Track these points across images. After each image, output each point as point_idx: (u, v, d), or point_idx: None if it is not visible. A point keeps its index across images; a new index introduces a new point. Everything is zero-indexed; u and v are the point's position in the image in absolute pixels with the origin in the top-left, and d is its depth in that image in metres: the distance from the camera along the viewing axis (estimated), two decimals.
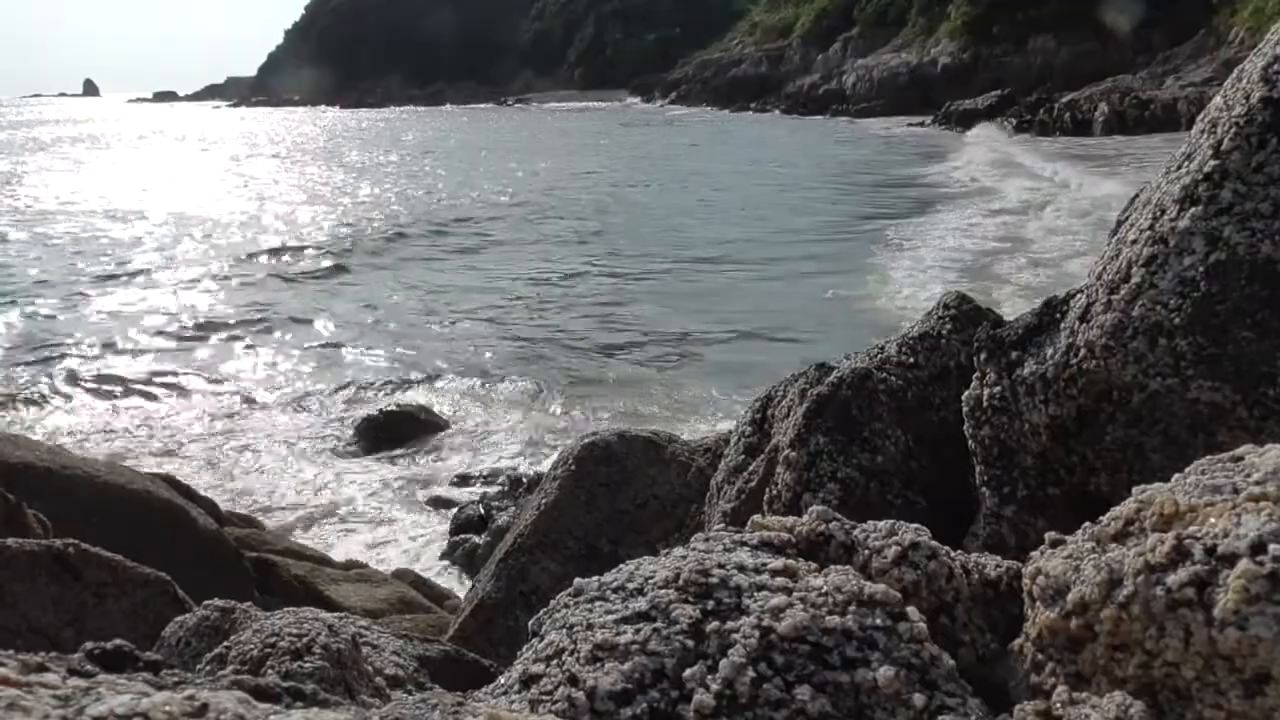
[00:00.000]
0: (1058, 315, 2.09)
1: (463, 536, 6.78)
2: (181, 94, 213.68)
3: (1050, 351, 2.03)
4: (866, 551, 1.35)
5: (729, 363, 10.97)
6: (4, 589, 2.38)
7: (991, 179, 25.60)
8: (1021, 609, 1.27)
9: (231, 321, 13.64)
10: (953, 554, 1.36)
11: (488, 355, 11.75)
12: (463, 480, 7.99)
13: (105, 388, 10.58)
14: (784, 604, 1.17)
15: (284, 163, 42.33)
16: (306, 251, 19.40)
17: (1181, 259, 1.82)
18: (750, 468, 2.80)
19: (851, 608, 1.18)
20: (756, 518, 1.46)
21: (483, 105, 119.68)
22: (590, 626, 1.17)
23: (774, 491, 2.51)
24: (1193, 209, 1.83)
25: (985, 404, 2.14)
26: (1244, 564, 1.00)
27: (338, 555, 5.96)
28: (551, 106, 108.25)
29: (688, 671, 1.10)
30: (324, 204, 27.40)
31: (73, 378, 10.89)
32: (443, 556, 6.71)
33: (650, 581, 1.24)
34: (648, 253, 18.26)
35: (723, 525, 1.88)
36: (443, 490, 7.85)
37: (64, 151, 51.18)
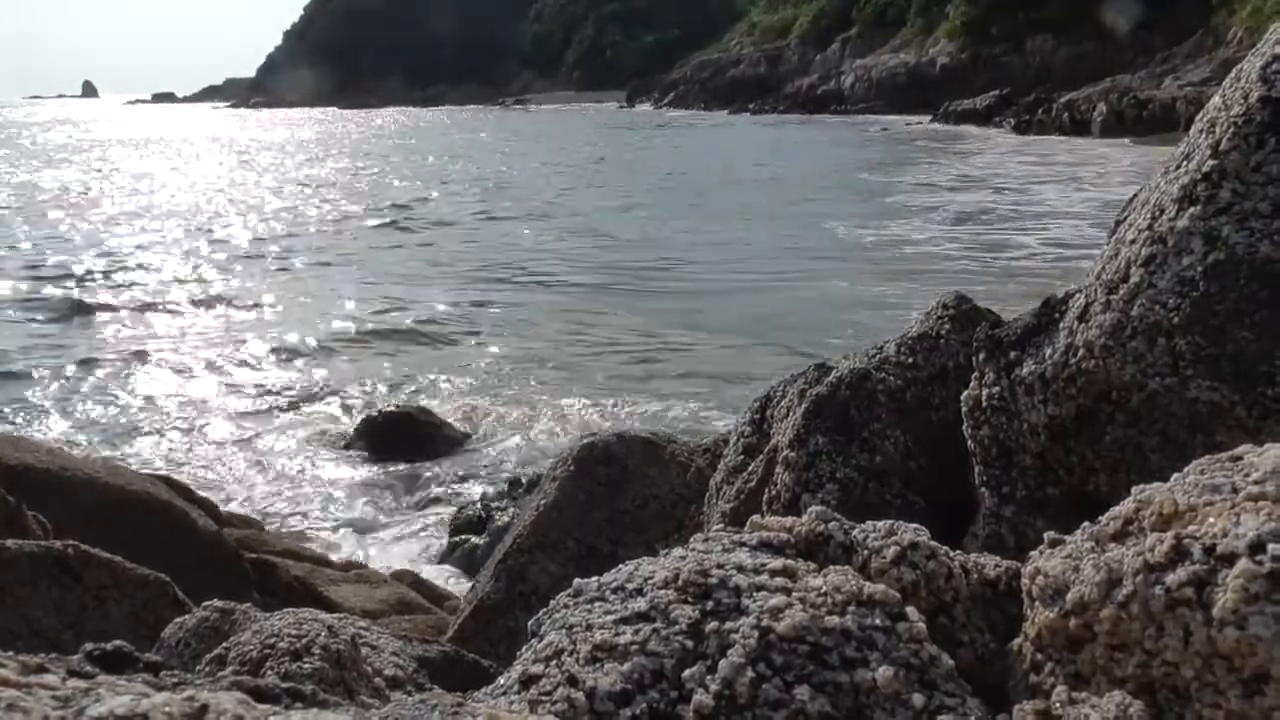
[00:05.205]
0: (1056, 315, 2.09)
1: (462, 537, 6.78)
2: (180, 95, 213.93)
3: (1049, 351, 2.03)
4: (865, 551, 1.35)
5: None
6: (4, 591, 2.38)
7: None
8: (1020, 609, 1.27)
9: (232, 323, 13.64)
10: (952, 554, 1.36)
11: (487, 356, 11.75)
12: (462, 481, 7.99)
13: (103, 386, 10.58)
14: (783, 604, 1.17)
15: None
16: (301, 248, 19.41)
17: (1180, 259, 1.82)
18: (749, 468, 2.80)
19: (850, 608, 1.18)
20: (755, 518, 1.45)
21: (476, 106, 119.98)
22: (589, 627, 1.17)
23: (773, 492, 2.51)
24: (1191, 209, 1.82)
25: (984, 404, 2.14)
26: (1243, 563, 1.00)
27: (337, 556, 5.96)
28: (546, 109, 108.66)
29: (687, 672, 1.10)
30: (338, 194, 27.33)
31: (72, 375, 10.90)
32: (442, 558, 6.71)
33: (649, 582, 1.24)
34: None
35: (722, 525, 1.88)
36: (442, 491, 7.85)
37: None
